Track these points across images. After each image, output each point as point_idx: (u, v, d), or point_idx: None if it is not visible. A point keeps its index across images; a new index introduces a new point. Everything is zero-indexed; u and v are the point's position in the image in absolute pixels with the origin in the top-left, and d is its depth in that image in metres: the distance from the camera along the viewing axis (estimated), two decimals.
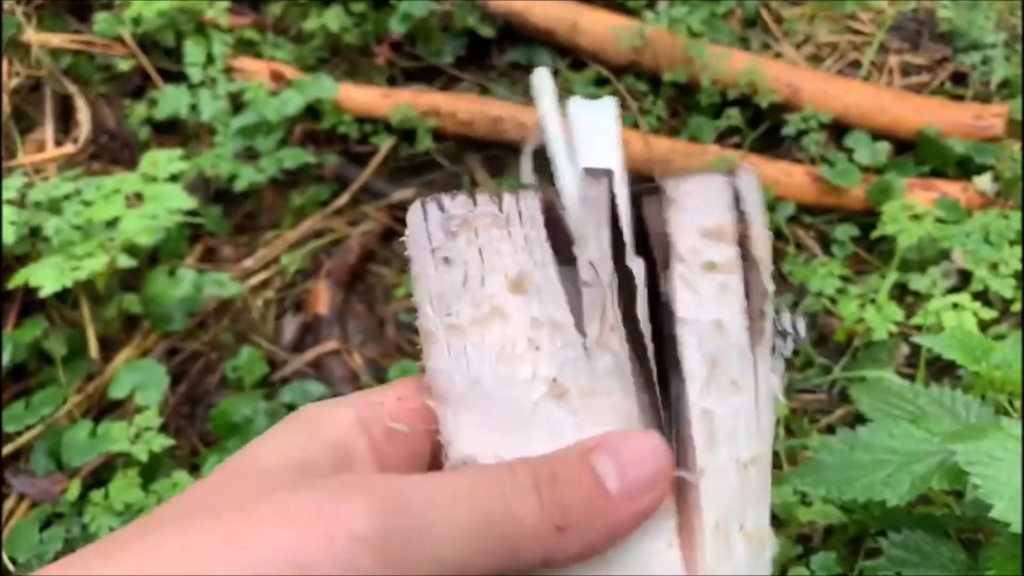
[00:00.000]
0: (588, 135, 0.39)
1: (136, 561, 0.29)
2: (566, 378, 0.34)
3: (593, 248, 0.35)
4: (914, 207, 1.27)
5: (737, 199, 0.36)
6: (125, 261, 1.18)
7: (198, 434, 1.19)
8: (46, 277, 1.10)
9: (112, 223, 1.18)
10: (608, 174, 0.36)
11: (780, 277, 1.37)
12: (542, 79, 0.40)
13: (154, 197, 1.19)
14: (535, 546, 0.32)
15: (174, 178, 1.24)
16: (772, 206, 1.40)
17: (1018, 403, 0.85)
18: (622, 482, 0.33)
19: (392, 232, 1.45)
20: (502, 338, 0.35)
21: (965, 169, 1.44)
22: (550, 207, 0.36)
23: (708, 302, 0.35)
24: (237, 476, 0.33)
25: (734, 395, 0.34)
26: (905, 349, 1.25)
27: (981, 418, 0.86)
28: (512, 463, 0.34)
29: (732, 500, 0.35)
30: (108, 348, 1.25)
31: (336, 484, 0.32)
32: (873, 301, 1.21)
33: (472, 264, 0.35)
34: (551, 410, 0.34)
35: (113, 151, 1.52)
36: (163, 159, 1.23)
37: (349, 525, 0.29)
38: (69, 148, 1.36)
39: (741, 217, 0.36)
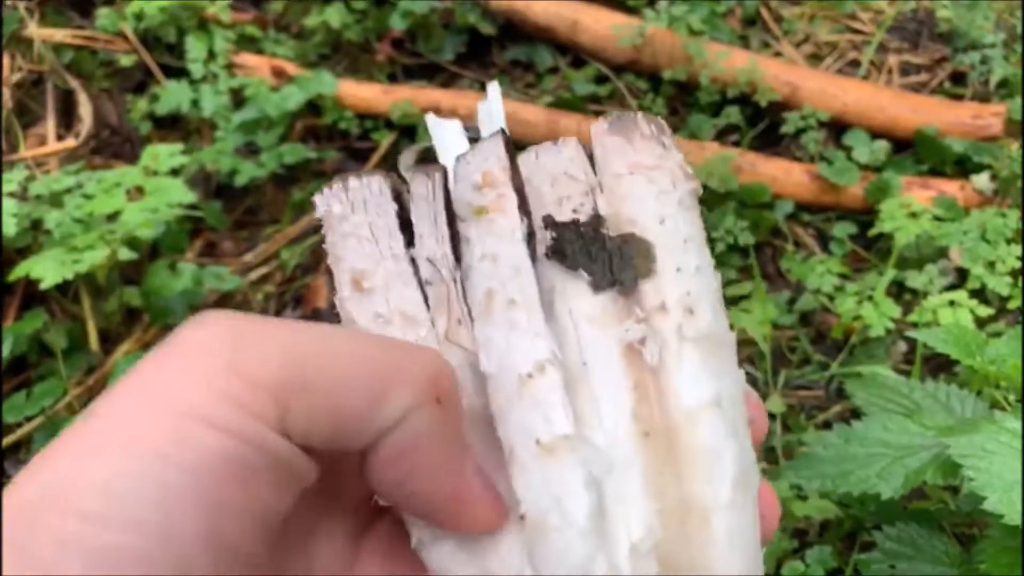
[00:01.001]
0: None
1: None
2: None
3: (431, 244, 0.34)
4: (912, 205, 1.28)
5: (508, 144, 0.35)
6: (126, 254, 1.18)
7: None
8: (47, 269, 1.11)
9: (113, 216, 1.19)
10: (442, 170, 0.35)
11: (778, 274, 1.38)
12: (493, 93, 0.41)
13: (155, 191, 1.19)
14: (406, 396, 0.30)
15: (175, 172, 1.24)
16: (771, 204, 1.41)
17: (1012, 397, 0.85)
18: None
19: None
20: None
21: (963, 168, 1.44)
22: (399, 195, 0.36)
23: (478, 241, 0.34)
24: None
25: (511, 311, 0.32)
26: (902, 346, 1.26)
27: (976, 413, 0.86)
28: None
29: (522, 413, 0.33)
30: (108, 341, 1.26)
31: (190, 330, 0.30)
32: (871, 298, 1.21)
33: (332, 258, 0.35)
34: None
35: (114, 146, 1.53)
36: (164, 153, 1.24)
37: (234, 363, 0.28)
38: (71, 142, 1.37)
39: (511, 160, 0.35)
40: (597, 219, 0.34)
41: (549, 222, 0.34)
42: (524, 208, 0.34)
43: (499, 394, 0.31)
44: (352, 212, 0.35)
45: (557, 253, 0.34)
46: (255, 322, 0.29)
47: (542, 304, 0.33)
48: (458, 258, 0.34)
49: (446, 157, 0.39)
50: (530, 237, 0.34)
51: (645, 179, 0.34)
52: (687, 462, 0.31)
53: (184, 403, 0.27)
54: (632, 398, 0.31)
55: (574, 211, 0.34)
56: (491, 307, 0.32)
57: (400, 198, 0.35)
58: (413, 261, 0.35)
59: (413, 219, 0.35)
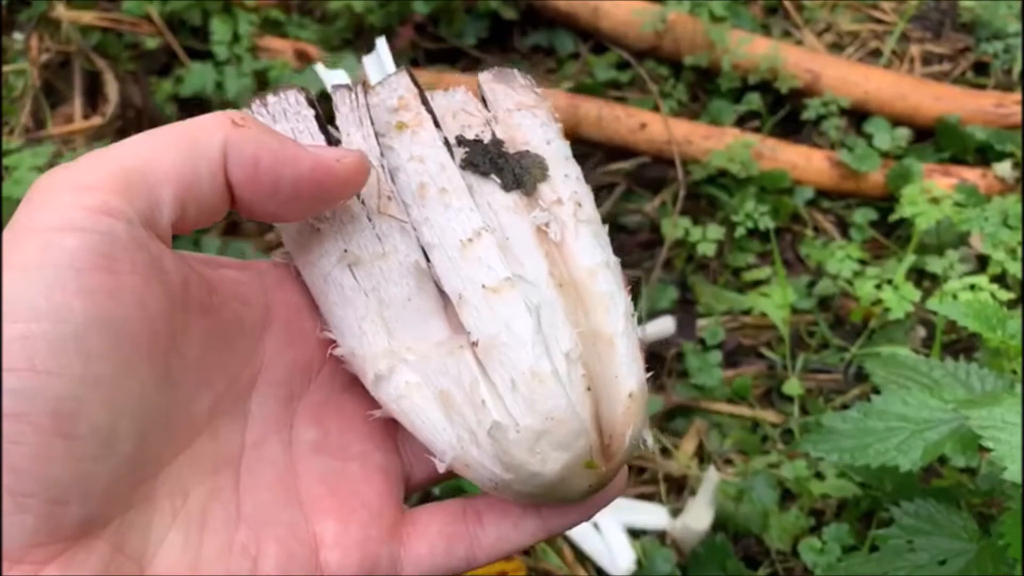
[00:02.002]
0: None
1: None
2: (356, 247, 0.39)
3: (357, 138, 0.40)
4: (933, 190, 1.27)
5: (413, 78, 0.42)
6: None
7: None
8: None
9: None
10: (352, 87, 0.41)
11: (797, 259, 1.38)
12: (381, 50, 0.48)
13: None
14: (215, 132, 0.35)
15: None
16: (791, 190, 1.41)
17: None
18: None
19: None
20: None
21: (985, 156, 1.44)
22: (312, 103, 0.41)
23: (404, 147, 0.40)
24: None
25: (444, 196, 0.39)
26: (921, 331, 1.26)
27: (996, 390, 0.86)
28: None
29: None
30: None
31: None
32: (890, 282, 1.21)
33: None
34: (346, 277, 0.39)
35: (139, 127, 1.55)
36: None
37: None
38: (97, 120, 1.38)
39: (420, 88, 0.42)
40: (497, 141, 0.41)
41: (460, 140, 0.41)
42: (438, 125, 0.41)
43: (443, 258, 0.38)
44: (274, 122, 0.40)
45: (470, 164, 0.40)
46: (95, 152, 0.34)
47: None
48: (380, 148, 0.40)
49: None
50: (446, 146, 0.40)
51: (530, 113, 0.42)
52: (592, 303, 0.39)
53: (53, 219, 0.31)
54: (546, 261, 0.39)
55: (476, 137, 0.41)
56: (425, 195, 0.39)
57: (315, 107, 0.41)
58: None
59: (339, 124, 0.40)
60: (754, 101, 1.51)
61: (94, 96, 1.56)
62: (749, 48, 1.50)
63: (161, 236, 0.34)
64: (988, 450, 0.73)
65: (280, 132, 0.38)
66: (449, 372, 0.38)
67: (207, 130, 0.35)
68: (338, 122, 0.40)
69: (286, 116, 0.40)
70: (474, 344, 0.37)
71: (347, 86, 0.41)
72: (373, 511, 0.38)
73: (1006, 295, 1.15)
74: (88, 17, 1.59)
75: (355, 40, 1.66)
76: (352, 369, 0.40)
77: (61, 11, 1.56)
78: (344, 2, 1.61)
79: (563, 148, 0.43)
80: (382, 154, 0.40)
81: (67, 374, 0.30)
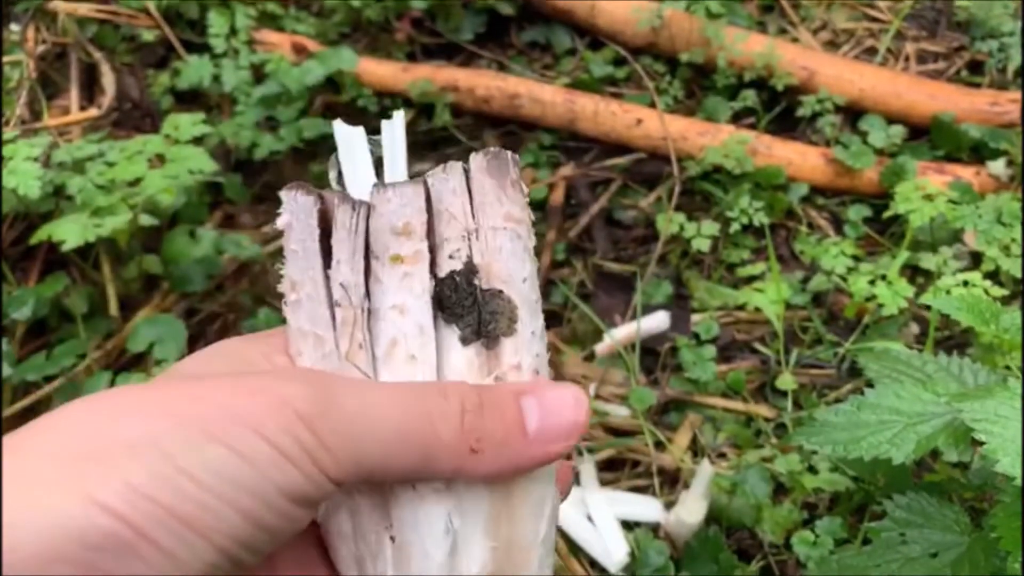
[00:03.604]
0: (388, 154, 0.43)
1: (101, 403, 0.33)
2: None
3: (346, 271, 0.38)
4: (927, 187, 1.28)
5: (429, 198, 0.39)
6: (147, 220, 1.20)
7: None
8: (69, 232, 1.12)
9: (134, 183, 1.20)
10: (366, 206, 0.39)
11: (792, 256, 1.38)
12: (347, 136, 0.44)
13: (176, 158, 1.20)
14: (447, 461, 0.36)
15: (196, 141, 1.26)
16: (786, 186, 1.41)
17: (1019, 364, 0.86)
18: (541, 424, 0.38)
19: None
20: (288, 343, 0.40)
21: (979, 155, 1.44)
22: (325, 214, 0.39)
23: (391, 289, 0.38)
24: (175, 377, 0.37)
25: (410, 366, 0.38)
26: (915, 328, 1.26)
27: (989, 384, 0.87)
28: (446, 385, 0.38)
29: None
30: (128, 308, 1.27)
31: (282, 371, 0.37)
32: (884, 278, 1.22)
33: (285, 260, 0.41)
34: None
35: (136, 119, 1.54)
36: (185, 122, 1.25)
37: (292, 402, 0.33)
38: (93, 112, 1.38)
39: (431, 215, 0.39)
40: (471, 269, 0.39)
41: (433, 276, 0.39)
42: (434, 263, 0.39)
43: None
44: (294, 225, 0.39)
45: (438, 302, 0.39)
46: (335, 393, 0.35)
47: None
48: (367, 287, 0.39)
49: (348, 162, 0.42)
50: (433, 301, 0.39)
51: (514, 235, 0.40)
52: (520, 506, 0.39)
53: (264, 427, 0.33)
54: None
55: (451, 256, 0.39)
56: (394, 354, 0.38)
57: (326, 216, 0.39)
58: (328, 279, 0.39)
59: (333, 244, 0.39)
60: (749, 98, 1.51)
61: (91, 88, 1.56)
62: (745, 45, 1.51)
63: None
64: (981, 443, 0.74)
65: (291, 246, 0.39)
66: (371, 547, 0.38)
67: (440, 453, 0.37)
68: (334, 240, 0.39)
69: (298, 224, 0.39)
70: (392, 538, 0.38)
71: (352, 202, 0.39)
72: None
73: (999, 291, 1.16)
74: (85, 9, 1.59)
75: (352, 34, 1.66)
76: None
77: (58, 3, 1.56)
78: None
79: (535, 288, 0.41)
80: (366, 294, 0.39)
81: None
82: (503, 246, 0.39)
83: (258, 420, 0.33)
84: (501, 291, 0.39)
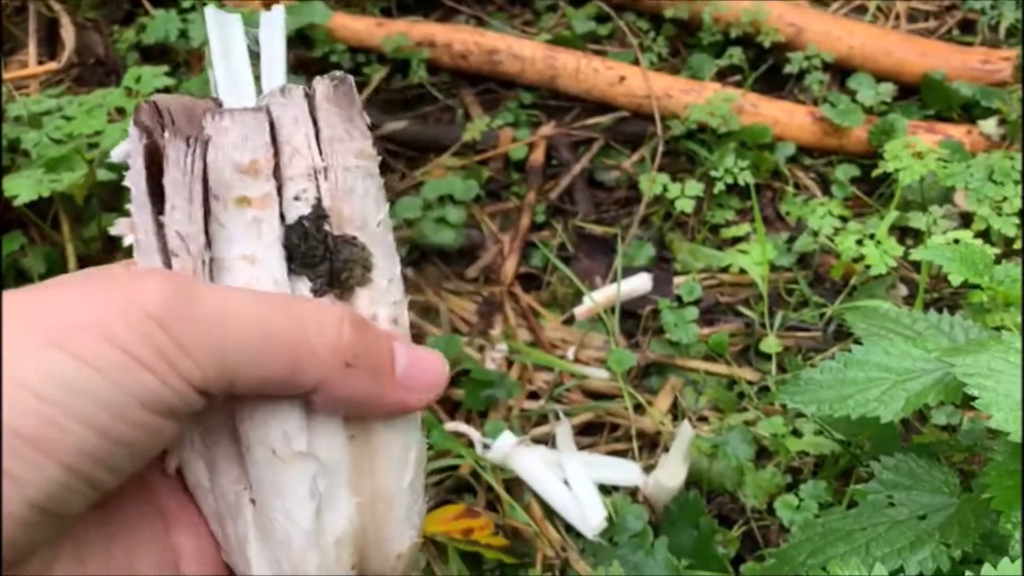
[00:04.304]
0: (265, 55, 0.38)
1: None
2: None
3: (181, 218, 0.34)
4: (917, 145, 1.24)
5: (274, 130, 0.35)
6: (105, 175, 1.14)
7: None
8: (23, 187, 1.07)
9: (93, 137, 1.15)
10: (203, 142, 0.34)
11: (777, 217, 1.34)
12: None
13: None
14: (315, 371, 0.34)
15: (160, 94, 1.20)
16: (772, 145, 1.37)
17: (1019, 320, 0.82)
18: (408, 371, 0.37)
19: (383, 164, 1.42)
20: None
21: (970, 114, 1.41)
22: (155, 152, 0.35)
23: (238, 236, 0.35)
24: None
25: None
26: (903, 290, 1.23)
27: (981, 339, 0.83)
28: (322, 302, 0.36)
29: None
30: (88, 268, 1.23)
31: (136, 272, 0.33)
32: (872, 237, 1.18)
33: None
34: None
35: (99, 76, 1.49)
36: (148, 75, 1.20)
37: (145, 303, 0.30)
38: (52, 65, 1.32)
39: (276, 149, 0.35)
40: (321, 215, 0.35)
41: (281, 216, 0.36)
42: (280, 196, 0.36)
43: (241, 401, 0.34)
44: (129, 161, 0.36)
45: (287, 251, 0.35)
46: (193, 293, 0.32)
47: None
48: (207, 234, 0.35)
49: (221, 61, 0.37)
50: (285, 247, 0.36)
51: (365, 173, 0.37)
52: (382, 458, 0.37)
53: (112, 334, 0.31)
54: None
55: (296, 198, 0.35)
56: None
57: (157, 151, 0.35)
58: (162, 227, 0.35)
59: (166, 184, 0.34)
60: (736, 55, 1.47)
61: (52, 43, 1.50)
62: (731, 1, 1.46)
63: None
64: (973, 399, 0.71)
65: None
66: (230, 506, 0.36)
67: (311, 360, 0.36)
68: (166, 180, 0.34)
69: (132, 161, 0.35)
70: (252, 500, 0.35)
71: (185, 136, 0.34)
72: None
73: (991, 250, 1.12)
74: None
75: None
76: None
77: None
78: None
79: (388, 230, 0.38)
80: (207, 244, 0.34)
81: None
82: (355, 187, 0.36)
83: (107, 324, 0.30)
84: (355, 237, 0.36)
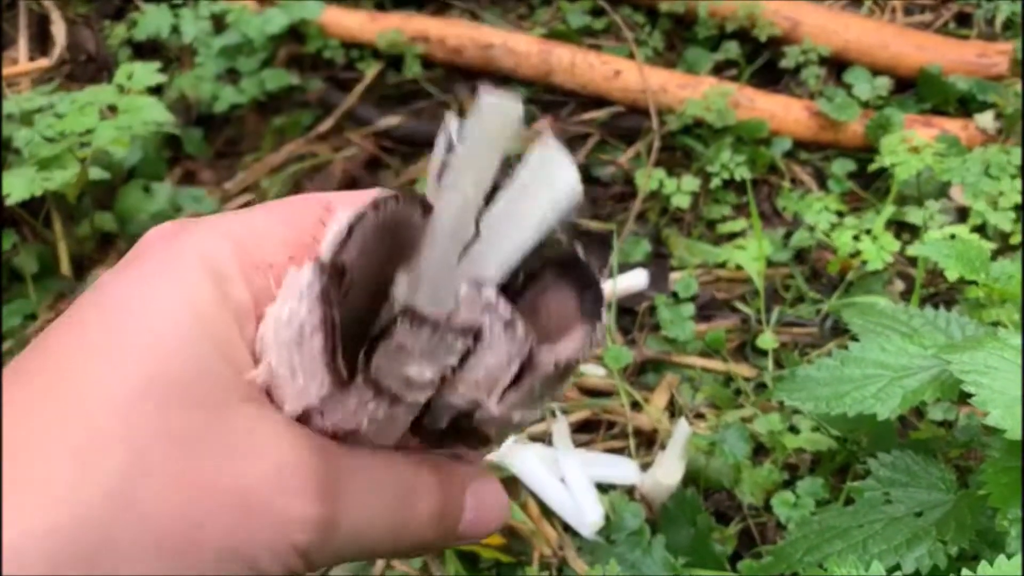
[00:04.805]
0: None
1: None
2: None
3: (341, 418, 0.31)
4: (913, 139, 1.23)
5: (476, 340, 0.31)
6: (98, 173, 1.14)
7: None
8: (14, 185, 1.06)
9: (85, 135, 1.14)
10: (392, 395, 0.30)
11: (774, 212, 1.34)
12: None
13: (129, 109, 1.14)
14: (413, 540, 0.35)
15: (152, 92, 1.19)
16: (768, 140, 1.37)
17: (1016, 316, 0.82)
18: (469, 524, 0.37)
19: (377, 160, 1.41)
20: None
21: (966, 108, 1.40)
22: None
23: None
24: (121, 349, 0.29)
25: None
26: (899, 285, 1.22)
27: (977, 335, 0.83)
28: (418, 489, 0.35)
29: None
30: (81, 267, 1.22)
31: (281, 470, 0.30)
32: (869, 232, 1.18)
33: None
34: None
35: (91, 72, 1.48)
36: (140, 71, 1.19)
37: (293, 532, 0.30)
38: (44, 62, 1.32)
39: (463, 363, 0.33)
40: (469, 424, 0.33)
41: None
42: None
43: None
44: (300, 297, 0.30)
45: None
46: (336, 522, 0.32)
47: None
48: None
49: (466, 169, 0.30)
50: None
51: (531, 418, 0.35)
52: None
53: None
54: None
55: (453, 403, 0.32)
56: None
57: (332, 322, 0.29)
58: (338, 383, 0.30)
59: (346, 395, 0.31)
60: (731, 49, 1.46)
61: (43, 40, 1.49)
62: None
63: None
64: (969, 396, 0.70)
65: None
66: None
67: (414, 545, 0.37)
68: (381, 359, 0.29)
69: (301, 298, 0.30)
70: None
71: (374, 386, 0.30)
72: None
73: (988, 246, 1.12)
74: None
75: None
76: None
77: None
78: None
79: None
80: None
81: None
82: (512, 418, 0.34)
83: (253, 556, 0.29)
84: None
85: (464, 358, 0.30)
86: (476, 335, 0.30)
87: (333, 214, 0.31)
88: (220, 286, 0.31)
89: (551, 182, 0.30)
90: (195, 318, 0.30)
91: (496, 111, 0.29)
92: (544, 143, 0.30)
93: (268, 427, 0.30)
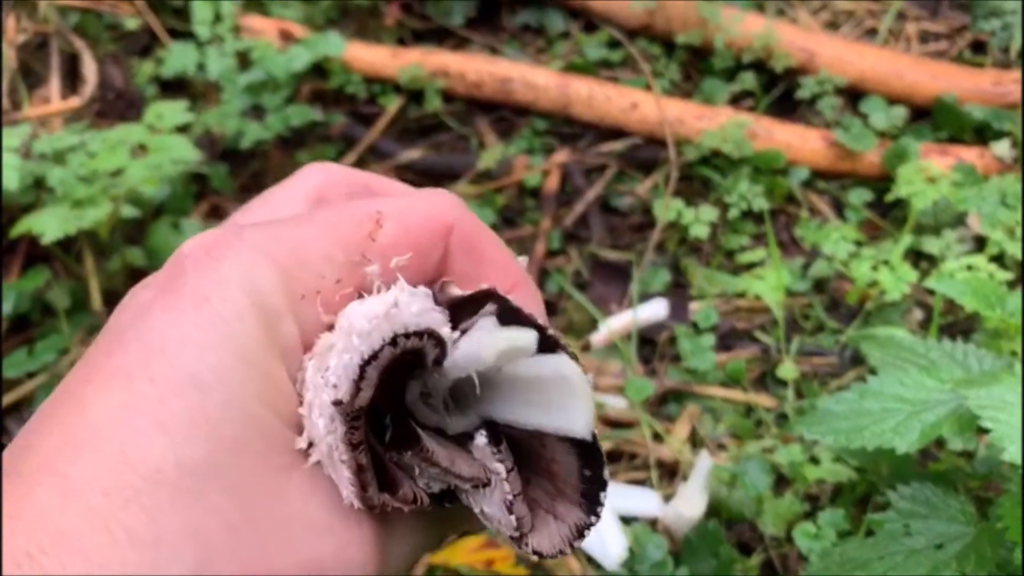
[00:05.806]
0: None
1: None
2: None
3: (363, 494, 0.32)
4: (929, 170, 1.25)
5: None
6: (129, 211, 1.17)
7: None
8: (49, 224, 1.09)
9: (117, 174, 1.17)
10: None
11: (792, 241, 1.35)
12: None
13: (159, 148, 1.17)
14: None
15: (180, 130, 1.23)
16: (785, 170, 1.38)
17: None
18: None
19: None
20: None
21: (982, 136, 1.41)
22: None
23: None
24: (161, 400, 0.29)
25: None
26: (918, 314, 1.23)
27: (994, 370, 0.84)
28: None
29: None
30: (112, 302, 1.24)
31: (342, 543, 0.31)
32: (886, 263, 1.19)
33: None
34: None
35: (120, 109, 1.51)
36: (168, 111, 1.22)
37: None
38: (75, 101, 1.35)
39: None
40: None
41: None
42: None
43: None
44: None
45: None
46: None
47: None
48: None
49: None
50: None
51: None
52: None
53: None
54: None
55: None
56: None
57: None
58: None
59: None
60: (748, 80, 1.48)
61: (73, 78, 1.53)
62: (743, 26, 1.47)
63: None
64: (986, 431, 0.71)
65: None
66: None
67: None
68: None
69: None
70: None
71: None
72: None
73: (1004, 275, 1.13)
74: None
75: (340, 19, 1.63)
76: None
77: None
78: None
79: None
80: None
81: None
82: None
83: None
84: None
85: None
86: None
87: (382, 227, 0.32)
88: (267, 322, 0.30)
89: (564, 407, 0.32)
90: (242, 363, 0.29)
91: (509, 346, 0.30)
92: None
93: (321, 497, 0.31)
